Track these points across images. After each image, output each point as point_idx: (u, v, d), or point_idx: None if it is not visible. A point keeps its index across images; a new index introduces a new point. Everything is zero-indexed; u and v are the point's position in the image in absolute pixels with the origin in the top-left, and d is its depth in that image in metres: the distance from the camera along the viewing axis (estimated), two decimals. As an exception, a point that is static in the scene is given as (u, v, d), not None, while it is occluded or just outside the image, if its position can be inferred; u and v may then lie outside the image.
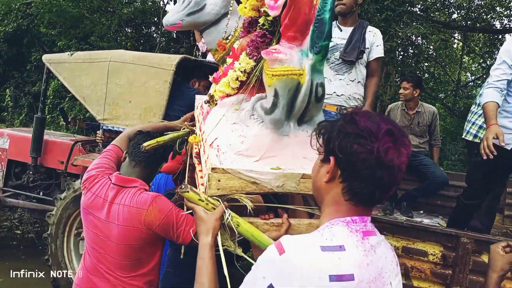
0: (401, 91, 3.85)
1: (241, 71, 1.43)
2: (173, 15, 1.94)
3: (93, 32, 8.08)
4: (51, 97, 8.21)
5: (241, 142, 1.35)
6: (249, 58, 1.42)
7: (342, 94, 2.89)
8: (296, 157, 1.14)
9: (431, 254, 2.27)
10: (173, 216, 1.56)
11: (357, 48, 2.83)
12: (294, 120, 1.39)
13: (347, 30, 2.92)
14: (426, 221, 3.48)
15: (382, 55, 3.03)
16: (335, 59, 2.90)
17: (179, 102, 3.25)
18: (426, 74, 9.75)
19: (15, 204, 4.12)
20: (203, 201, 1.26)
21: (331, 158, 0.92)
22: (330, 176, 0.93)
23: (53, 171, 3.98)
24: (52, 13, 7.89)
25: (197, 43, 4.30)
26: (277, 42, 1.37)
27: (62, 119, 5.28)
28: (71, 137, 4.29)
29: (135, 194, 1.61)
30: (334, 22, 2.97)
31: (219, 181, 1.27)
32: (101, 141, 3.51)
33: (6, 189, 4.20)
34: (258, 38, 1.41)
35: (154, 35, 10.23)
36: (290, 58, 1.27)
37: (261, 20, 1.44)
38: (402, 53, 8.09)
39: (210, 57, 4.18)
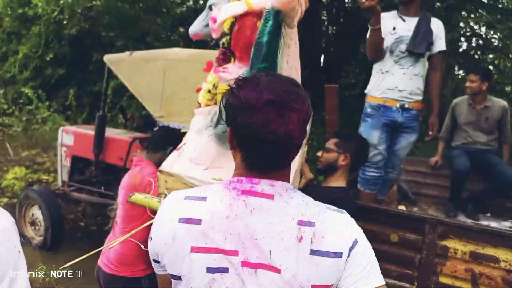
0: (467, 84, 3.57)
1: (212, 84, 1.59)
2: (195, 26, 2.20)
3: (148, 33, 8.37)
4: (110, 96, 8.63)
5: (193, 150, 1.49)
6: (215, 74, 1.54)
7: (404, 89, 2.73)
8: None
9: (503, 260, 2.12)
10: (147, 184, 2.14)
11: (426, 40, 2.66)
12: None
13: (411, 21, 2.74)
14: (493, 224, 3.22)
15: (445, 48, 2.83)
16: (400, 51, 2.73)
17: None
18: (490, 67, 9.05)
19: (79, 198, 4.37)
20: (147, 198, 1.50)
21: (228, 128, 0.97)
22: (230, 145, 0.98)
23: (113, 167, 4.17)
24: (110, 15, 8.28)
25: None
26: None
27: (121, 117, 5.52)
28: (130, 134, 4.46)
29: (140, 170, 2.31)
30: (395, 13, 2.81)
31: (166, 182, 1.43)
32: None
33: (71, 184, 4.47)
34: (220, 56, 1.52)
35: (206, 33, 10.39)
36: (233, 77, 1.30)
37: (223, 39, 1.54)
38: (465, 44, 7.56)
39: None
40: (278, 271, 0.90)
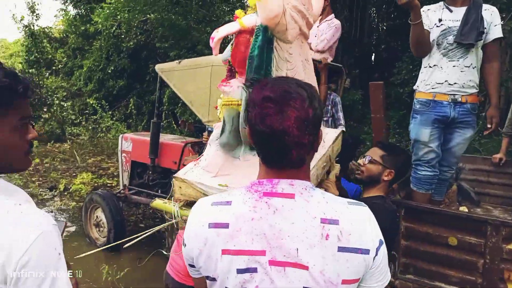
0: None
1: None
2: (225, 53, 2.35)
3: (199, 42, 8.66)
4: (166, 104, 9.04)
5: (205, 159, 1.60)
6: (219, 88, 1.65)
7: (455, 83, 2.56)
8: (247, 178, 1.16)
9: None
10: None
11: (476, 29, 2.48)
12: (247, 144, 1.53)
13: (459, 11, 2.57)
14: None
15: (501, 35, 2.61)
16: (448, 43, 2.57)
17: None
18: None
19: (139, 200, 4.61)
20: (165, 203, 1.60)
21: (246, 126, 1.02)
22: (251, 142, 1.02)
23: (168, 170, 4.35)
24: (164, 27, 8.68)
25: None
26: None
27: (174, 123, 5.77)
28: (182, 140, 4.64)
29: None
30: (441, 4, 2.66)
31: (180, 187, 1.53)
32: (207, 142, 3.72)
33: (131, 187, 4.74)
34: (227, 72, 1.64)
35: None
36: (233, 90, 1.48)
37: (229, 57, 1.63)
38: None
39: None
40: (306, 268, 0.94)
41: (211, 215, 1.00)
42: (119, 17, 8.97)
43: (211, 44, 1.54)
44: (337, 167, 2.02)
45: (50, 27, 13.29)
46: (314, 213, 0.96)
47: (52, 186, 6.88)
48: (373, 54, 10.11)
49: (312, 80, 1.64)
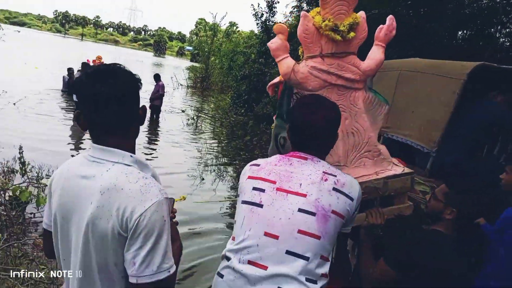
0: None
1: None
2: None
3: (420, 39, 8.01)
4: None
5: None
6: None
7: None
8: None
9: None
10: None
11: None
12: None
13: None
14: None
15: None
16: None
17: (472, 116, 2.79)
18: None
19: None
20: None
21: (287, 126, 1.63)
22: (288, 137, 1.59)
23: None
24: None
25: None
26: None
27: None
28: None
29: None
30: None
31: None
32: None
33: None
34: None
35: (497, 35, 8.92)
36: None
37: None
38: None
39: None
40: (304, 195, 1.39)
41: (254, 161, 1.58)
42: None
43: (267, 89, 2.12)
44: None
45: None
46: (319, 168, 1.45)
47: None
48: None
49: (360, 121, 1.92)
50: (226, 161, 8.28)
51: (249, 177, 1.49)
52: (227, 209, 5.52)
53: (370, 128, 1.90)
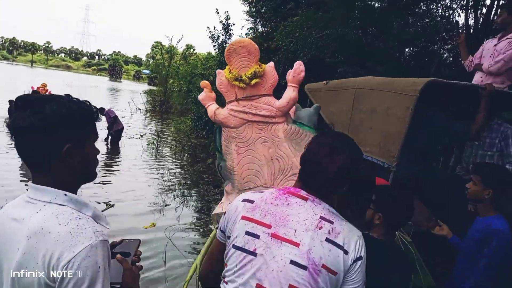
0: None
1: None
2: None
3: (370, 58, 8.39)
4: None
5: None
6: None
7: None
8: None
9: None
10: None
11: None
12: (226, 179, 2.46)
13: None
14: None
15: None
16: None
17: (419, 129, 2.91)
18: None
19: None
20: None
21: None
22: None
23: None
24: (336, 42, 8.76)
25: (462, 62, 3.72)
26: None
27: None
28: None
29: None
30: None
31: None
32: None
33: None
34: None
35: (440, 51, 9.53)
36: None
37: None
38: None
39: (477, 77, 3.52)
40: (297, 245, 1.27)
41: (247, 195, 1.43)
42: (297, 33, 9.51)
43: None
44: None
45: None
46: (317, 212, 1.32)
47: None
48: None
49: (282, 149, 2.22)
50: (189, 184, 8.11)
51: (243, 218, 1.34)
52: (196, 236, 5.34)
53: (292, 154, 2.19)
